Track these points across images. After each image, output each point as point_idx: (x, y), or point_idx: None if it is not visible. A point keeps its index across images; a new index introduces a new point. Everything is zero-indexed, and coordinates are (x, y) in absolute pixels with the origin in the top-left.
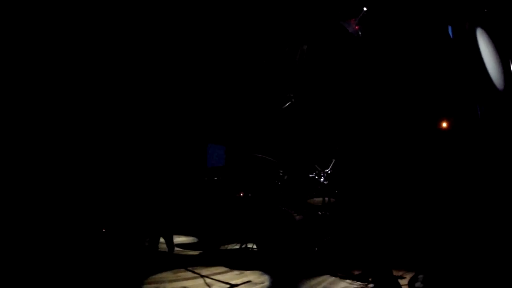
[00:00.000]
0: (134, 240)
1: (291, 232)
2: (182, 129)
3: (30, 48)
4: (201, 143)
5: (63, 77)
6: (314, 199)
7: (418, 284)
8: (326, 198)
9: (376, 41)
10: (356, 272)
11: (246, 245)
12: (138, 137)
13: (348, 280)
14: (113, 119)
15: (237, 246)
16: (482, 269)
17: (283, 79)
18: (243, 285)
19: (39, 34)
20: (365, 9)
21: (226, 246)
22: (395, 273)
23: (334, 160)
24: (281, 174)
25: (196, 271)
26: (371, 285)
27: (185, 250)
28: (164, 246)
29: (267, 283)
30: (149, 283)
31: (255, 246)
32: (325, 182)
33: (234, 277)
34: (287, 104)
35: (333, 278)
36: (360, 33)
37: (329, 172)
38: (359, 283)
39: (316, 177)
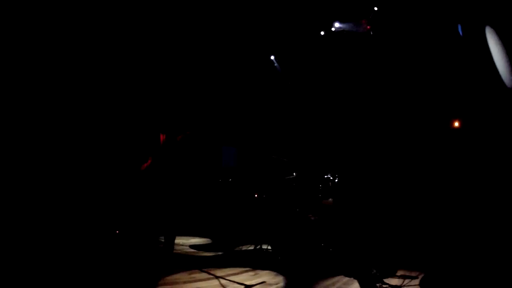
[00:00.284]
0: (149, 241)
1: (306, 232)
2: (197, 131)
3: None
4: (215, 145)
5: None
6: (329, 200)
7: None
8: (339, 199)
9: (386, 40)
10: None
11: (261, 246)
12: (152, 139)
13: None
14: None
15: (252, 247)
16: (493, 268)
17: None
18: (257, 285)
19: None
20: (375, 8)
21: (240, 247)
22: (407, 273)
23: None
24: (296, 175)
25: (210, 272)
26: (386, 285)
27: (200, 251)
28: (180, 247)
29: (281, 283)
30: (164, 284)
31: (269, 247)
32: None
33: (248, 277)
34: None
35: (347, 278)
36: (371, 33)
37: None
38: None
39: (331, 178)
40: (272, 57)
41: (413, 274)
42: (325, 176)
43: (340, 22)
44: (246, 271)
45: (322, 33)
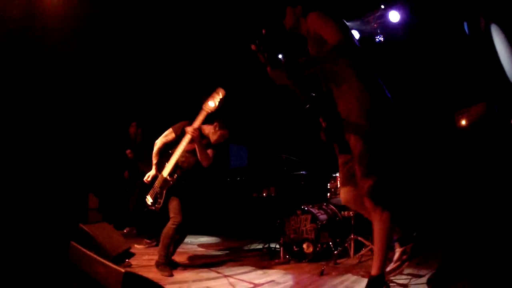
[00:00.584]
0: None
1: (315, 231)
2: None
3: None
4: (223, 143)
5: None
6: (338, 198)
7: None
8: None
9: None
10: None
11: (269, 245)
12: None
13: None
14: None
15: (260, 246)
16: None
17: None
18: (266, 284)
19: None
20: (382, 6)
21: (249, 246)
22: (415, 271)
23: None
24: (304, 173)
25: (219, 270)
26: (393, 284)
27: (208, 250)
28: (189, 246)
29: (290, 282)
30: (172, 283)
31: (277, 246)
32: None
33: (257, 276)
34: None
35: (355, 277)
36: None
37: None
38: None
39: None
40: (280, 56)
41: (422, 272)
42: (333, 175)
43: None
44: (255, 270)
45: None
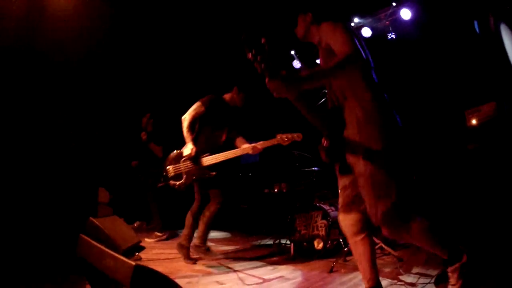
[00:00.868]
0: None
1: (326, 228)
2: None
3: None
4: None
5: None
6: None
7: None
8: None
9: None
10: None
11: (279, 240)
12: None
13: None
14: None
15: (270, 241)
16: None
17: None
18: (275, 280)
19: None
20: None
21: (259, 241)
22: (423, 270)
23: None
24: (316, 170)
25: (229, 265)
26: (401, 282)
27: (218, 245)
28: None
29: (299, 278)
30: (182, 277)
31: (288, 242)
32: None
33: (267, 272)
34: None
35: None
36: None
37: None
38: (388, 280)
39: None
40: (293, 52)
41: (430, 272)
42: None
43: (360, 17)
44: (264, 265)
45: None
